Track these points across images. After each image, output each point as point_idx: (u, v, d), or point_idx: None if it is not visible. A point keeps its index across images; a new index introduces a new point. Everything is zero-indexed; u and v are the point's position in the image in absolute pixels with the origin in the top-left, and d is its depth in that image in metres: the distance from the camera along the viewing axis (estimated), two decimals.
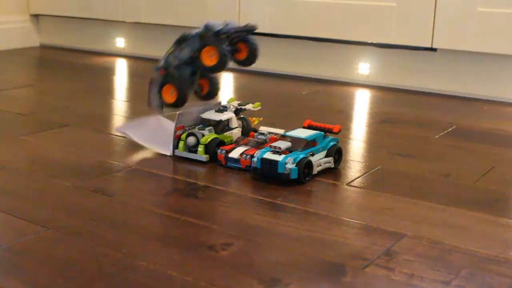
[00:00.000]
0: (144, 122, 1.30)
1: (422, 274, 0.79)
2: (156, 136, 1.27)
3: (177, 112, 1.22)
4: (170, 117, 1.30)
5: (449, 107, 1.73)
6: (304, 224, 0.93)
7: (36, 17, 2.68)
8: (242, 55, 1.25)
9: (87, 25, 2.55)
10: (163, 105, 1.27)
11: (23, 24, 2.64)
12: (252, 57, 1.25)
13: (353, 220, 0.95)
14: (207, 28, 1.21)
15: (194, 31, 1.23)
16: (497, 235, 0.91)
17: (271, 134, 1.22)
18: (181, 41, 1.24)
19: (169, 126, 1.27)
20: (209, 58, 1.20)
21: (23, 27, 2.64)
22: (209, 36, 1.21)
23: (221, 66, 1.20)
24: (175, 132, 1.22)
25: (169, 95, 1.24)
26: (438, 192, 1.08)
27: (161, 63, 1.25)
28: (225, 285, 0.76)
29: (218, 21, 1.23)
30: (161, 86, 1.24)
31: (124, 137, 1.32)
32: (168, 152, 1.23)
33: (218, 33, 1.21)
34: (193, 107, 1.26)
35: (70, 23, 2.59)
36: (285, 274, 0.78)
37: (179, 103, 1.24)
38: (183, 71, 1.23)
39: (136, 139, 1.26)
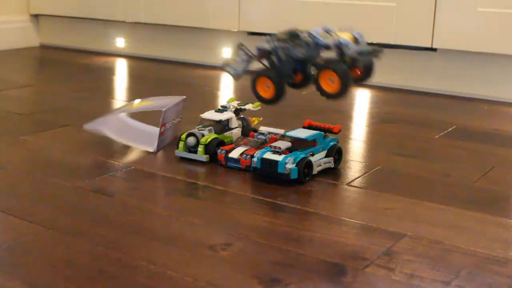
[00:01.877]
0: (114, 119, 1.29)
1: (422, 274, 0.79)
2: (134, 133, 1.29)
3: (163, 109, 1.23)
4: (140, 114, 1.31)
5: (449, 107, 1.73)
6: (304, 224, 0.93)
7: (36, 17, 2.68)
8: (357, 72, 1.12)
9: (87, 25, 2.55)
10: (240, 75, 1.16)
11: (23, 24, 2.64)
12: (367, 74, 1.12)
13: (353, 220, 0.95)
14: (339, 46, 1.07)
15: (318, 36, 1.08)
16: (497, 235, 0.91)
17: (271, 134, 1.22)
18: (297, 36, 1.10)
19: (145, 124, 1.30)
20: (328, 83, 1.08)
21: (23, 27, 2.64)
22: (337, 52, 1.07)
23: (339, 96, 1.08)
24: (160, 128, 1.23)
25: (264, 88, 1.13)
26: (438, 192, 1.08)
27: (267, 44, 1.12)
28: (225, 285, 0.76)
29: (349, 40, 1.07)
30: (257, 77, 1.14)
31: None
32: (151, 148, 1.24)
33: (344, 54, 1.07)
34: (171, 102, 1.28)
35: (70, 23, 2.59)
36: (285, 274, 0.78)
37: (274, 101, 1.14)
38: (287, 67, 1.12)
39: (111, 135, 1.24)
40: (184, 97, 1.34)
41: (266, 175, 1.09)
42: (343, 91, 1.07)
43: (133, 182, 1.10)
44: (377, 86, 1.95)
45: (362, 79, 1.12)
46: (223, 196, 1.04)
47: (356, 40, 1.09)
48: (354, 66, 1.09)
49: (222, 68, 1.17)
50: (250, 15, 2.10)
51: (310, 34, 1.09)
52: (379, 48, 1.12)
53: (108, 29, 2.50)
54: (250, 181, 1.11)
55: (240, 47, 1.15)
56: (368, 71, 1.11)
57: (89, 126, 1.24)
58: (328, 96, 1.08)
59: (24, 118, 1.52)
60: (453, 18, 1.76)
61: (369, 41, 1.94)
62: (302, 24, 2.02)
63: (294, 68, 1.12)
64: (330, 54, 1.10)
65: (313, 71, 1.12)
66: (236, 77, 1.16)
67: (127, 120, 1.35)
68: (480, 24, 1.73)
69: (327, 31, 1.10)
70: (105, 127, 1.25)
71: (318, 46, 1.09)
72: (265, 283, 0.76)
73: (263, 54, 1.13)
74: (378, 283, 0.77)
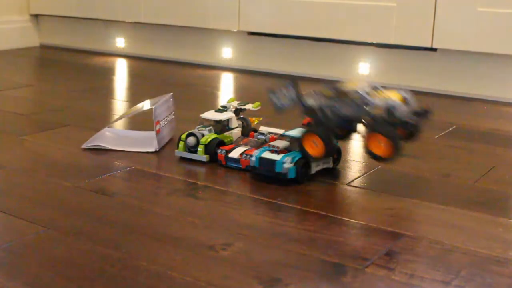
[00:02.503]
0: (108, 133, 1.32)
1: (422, 274, 0.79)
2: (132, 139, 1.30)
3: (153, 107, 1.24)
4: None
5: (449, 107, 1.73)
6: (304, 224, 0.93)
7: (36, 17, 2.68)
8: (401, 131, 1.07)
9: (87, 25, 2.55)
10: (283, 110, 1.13)
11: (23, 24, 2.64)
12: (413, 135, 1.08)
13: (353, 220, 0.95)
14: (389, 111, 1.03)
15: (368, 96, 1.05)
16: (497, 235, 0.91)
17: (271, 134, 1.22)
18: (345, 94, 1.06)
19: (137, 132, 1.34)
20: (377, 145, 1.04)
21: (23, 27, 2.64)
22: (386, 116, 1.03)
23: (390, 159, 1.05)
24: (155, 126, 1.23)
25: (312, 145, 1.08)
26: (438, 192, 1.08)
27: (312, 100, 1.09)
28: (225, 285, 0.76)
29: (400, 103, 1.03)
30: (304, 133, 1.09)
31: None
32: (152, 148, 1.24)
33: (393, 116, 1.03)
34: (159, 99, 1.30)
35: (70, 23, 2.60)
36: (285, 274, 0.78)
37: (323, 158, 1.10)
38: (333, 125, 1.08)
39: (110, 146, 1.25)
40: (171, 93, 1.36)
41: (264, 174, 1.09)
42: (393, 156, 1.04)
43: (133, 182, 1.10)
44: None
45: (406, 139, 1.08)
46: (223, 196, 1.04)
47: (405, 100, 1.05)
48: (403, 129, 1.06)
49: (268, 94, 1.14)
50: (250, 15, 2.10)
51: (359, 94, 1.05)
52: (428, 109, 1.08)
53: (108, 29, 2.50)
54: (250, 181, 1.11)
55: (293, 85, 1.12)
56: (415, 132, 1.08)
57: (87, 144, 1.25)
58: (377, 158, 1.05)
59: (24, 118, 1.52)
60: (453, 18, 1.76)
61: (369, 41, 1.95)
62: (301, 24, 2.02)
63: (338, 125, 1.09)
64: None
65: (360, 129, 1.08)
66: (279, 110, 1.14)
67: (121, 132, 1.38)
68: (480, 24, 1.73)
69: (374, 88, 1.07)
70: (102, 141, 1.26)
71: (368, 106, 1.05)
72: (265, 283, 0.76)
73: (308, 110, 1.10)
74: (378, 283, 0.77)
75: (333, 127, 1.09)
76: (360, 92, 1.05)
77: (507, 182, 1.13)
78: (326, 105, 1.08)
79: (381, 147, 1.04)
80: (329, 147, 1.08)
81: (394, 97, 1.04)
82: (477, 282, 0.78)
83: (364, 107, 1.05)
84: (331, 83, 1.10)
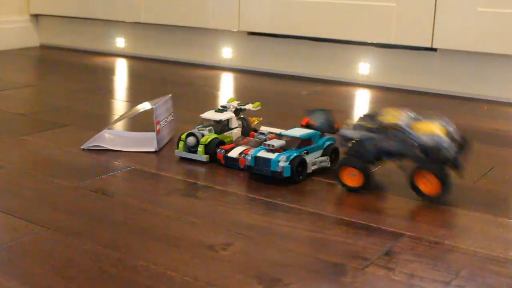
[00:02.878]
0: (107, 133, 1.32)
1: (422, 274, 0.79)
2: (132, 140, 1.31)
3: (153, 106, 1.25)
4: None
5: (449, 107, 1.73)
6: (304, 224, 0.93)
7: (36, 17, 2.68)
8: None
9: (87, 25, 2.55)
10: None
11: (23, 24, 2.64)
12: (455, 171, 1.05)
13: (353, 220, 0.95)
14: (438, 150, 1.00)
15: (413, 132, 1.02)
16: (497, 235, 0.91)
17: (271, 134, 1.22)
18: (387, 128, 1.04)
19: (137, 133, 1.35)
20: (425, 183, 1.02)
21: (23, 27, 2.64)
22: (435, 153, 1.01)
23: (437, 198, 1.02)
24: (155, 126, 1.23)
25: (349, 177, 1.06)
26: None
27: (352, 132, 1.07)
28: (225, 285, 0.76)
29: (449, 141, 1.01)
30: (341, 166, 1.07)
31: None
32: (152, 148, 1.24)
33: (442, 155, 1.01)
34: (159, 100, 1.30)
35: (70, 23, 2.60)
36: (285, 274, 0.78)
37: (362, 189, 1.06)
38: (372, 157, 1.06)
39: (110, 147, 1.25)
40: (170, 95, 1.36)
41: (259, 173, 1.09)
42: (443, 195, 1.01)
43: (133, 182, 1.10)
44: (377, 86, 1.95)
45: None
46: (223, 196, 1.04)
47: (448, 133, 1.02)
48: (451, 165, 1.03)
49: (306, 114, 1.18)
50: (250, 15, 2.10)
51: (402, 128, 1.03)
52: (467, 138, 1.06)
53: (108, 29, 2.50)
54: (250, 181, 1.11)
55: (327, 113, 1.16)
56: (459, 167, 1.04)
57: (86, 145, 1.25)
58: (423, 195, 1.03)
59: (24, 118, 1.52)
60: (453, 18, 1.76)
61: (369, 41, 1.95)
62: (301, 24, 2.02)
63: (378, 158, 1.07)
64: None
65: (404, 164, 1.06)
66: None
67: (120, 132, 1.38)
68: (480, 24, 1.73)
69: (415, 119, 1.05)
70: (102, 142, 1.26)
71: (414, 145, 1.02)
72: (265, 283, 0.76)
73: (347, 141, 1.09)
74: (378, 283, 0.77)
75: (371, 158, 1.06)
76: (403, 126, 1.03)
77: (507, 182, 1.13)
78: (367, 137, 1.06)
79: (429, 185, 1.02)
80: (367, 177, 1.06)
81: (438, 131, 1.02)
82: (477, 282, 0.78)
83: (410, 143, 1.02)
84: (370, 115, 1.09)
